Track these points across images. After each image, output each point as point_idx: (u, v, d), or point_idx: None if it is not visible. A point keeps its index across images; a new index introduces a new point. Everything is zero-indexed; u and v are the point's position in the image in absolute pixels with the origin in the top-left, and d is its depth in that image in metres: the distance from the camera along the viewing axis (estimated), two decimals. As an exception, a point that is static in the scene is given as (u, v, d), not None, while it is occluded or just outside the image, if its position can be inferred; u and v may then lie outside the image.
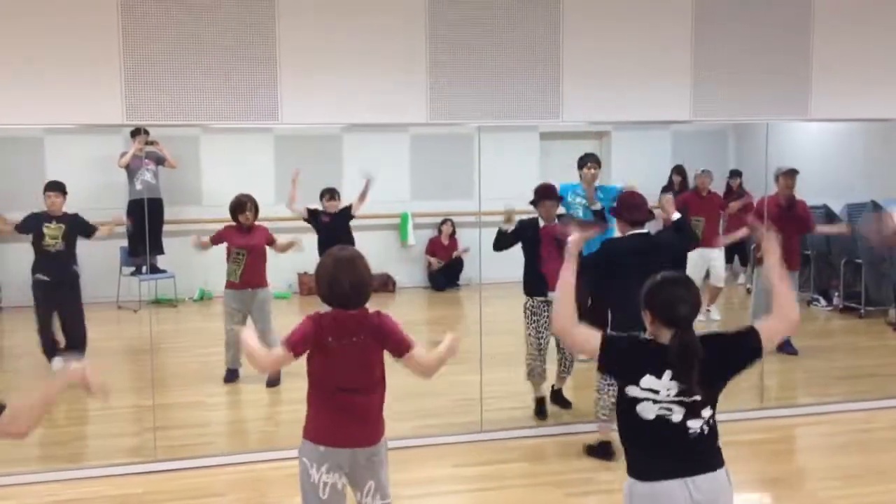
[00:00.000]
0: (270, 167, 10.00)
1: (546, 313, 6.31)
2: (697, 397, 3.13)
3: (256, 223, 7.41)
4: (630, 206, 5.65)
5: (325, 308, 3.70)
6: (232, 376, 7.43)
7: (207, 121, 5.73)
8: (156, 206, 8.66)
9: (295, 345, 3.60)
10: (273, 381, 7.25)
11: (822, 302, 9.83)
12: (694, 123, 6.68)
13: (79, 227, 7.39)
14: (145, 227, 7.32)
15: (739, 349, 3.22)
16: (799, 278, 10.02)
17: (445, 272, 10.85)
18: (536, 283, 6.33)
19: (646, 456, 3.20)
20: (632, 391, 3.16)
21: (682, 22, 6.29)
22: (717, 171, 9.31)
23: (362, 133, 9.73)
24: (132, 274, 9.24)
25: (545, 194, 6.43)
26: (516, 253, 6.48)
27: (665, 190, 10.09)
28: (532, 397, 6.58)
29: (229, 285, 7.35)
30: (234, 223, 7.35)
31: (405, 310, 10.73)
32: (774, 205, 7.95)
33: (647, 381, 3.13)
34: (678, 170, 10.07)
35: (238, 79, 5.65)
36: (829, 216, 9.69)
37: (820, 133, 9.66)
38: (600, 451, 5.78)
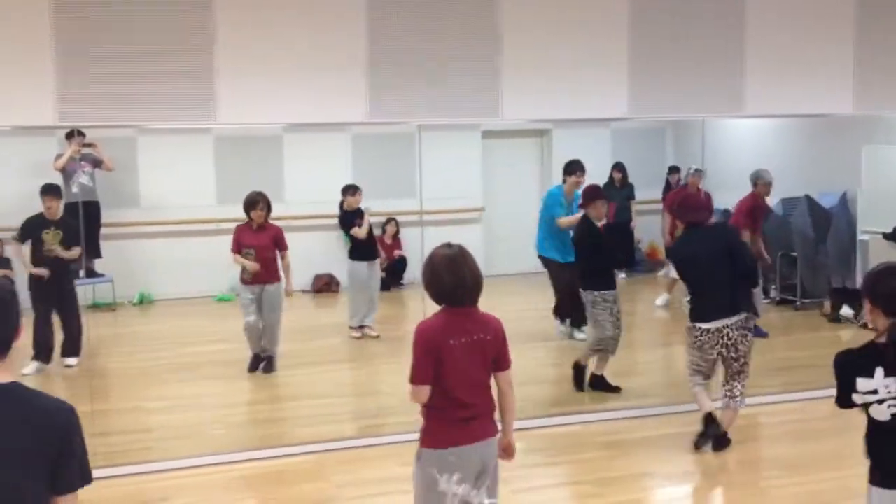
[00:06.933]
0: (210, 168, 9.89)
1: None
2: None
3: (270, 222, 7.56)
4: (690, 207, 5.95)
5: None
6: (256, 363, 7.61)
7: (144, 122, 5.62)
8: (93, 209, 8.51)
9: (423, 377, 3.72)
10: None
11: (760, 295, 10.00)
12: (633, 121, 6.76)
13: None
14: (81, 230, 7.18)
15: None
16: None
17: (389, 272, 10.82)
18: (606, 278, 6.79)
19: (888, 462, 3.19)
20: (856, 399, 3.17)
21: (618, 20, 6.36)
22: (655, 167, 9.45)
23: (303, 133, 9.66)
24: (69, 278, 9.05)
25: (595, 195, 6.82)
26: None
27: (606, 187, 10.21)
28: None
29: (242, 280, 7.59)
30: (247, 220, 7.51)
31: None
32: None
33: (862, 384, 3.14)
34: (618, 167, 10.20)
35: (175, 79, 5.53)
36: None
37: (755, 129, 9.85)
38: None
